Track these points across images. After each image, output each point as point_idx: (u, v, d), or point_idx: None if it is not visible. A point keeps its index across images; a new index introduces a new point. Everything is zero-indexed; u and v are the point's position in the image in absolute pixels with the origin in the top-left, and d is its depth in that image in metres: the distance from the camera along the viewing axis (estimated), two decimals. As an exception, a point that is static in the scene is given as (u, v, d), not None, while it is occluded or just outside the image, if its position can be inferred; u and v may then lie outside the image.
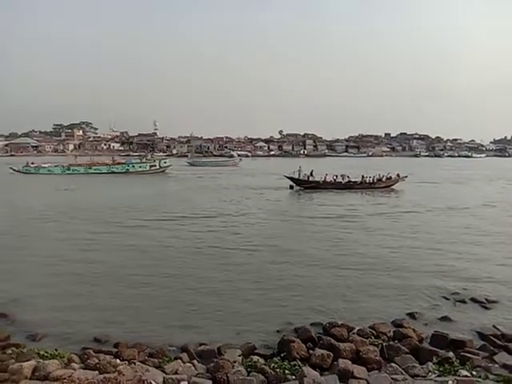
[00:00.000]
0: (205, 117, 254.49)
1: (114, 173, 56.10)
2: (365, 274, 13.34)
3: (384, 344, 8.37)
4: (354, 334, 9.01)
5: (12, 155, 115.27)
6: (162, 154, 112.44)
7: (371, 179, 38.84)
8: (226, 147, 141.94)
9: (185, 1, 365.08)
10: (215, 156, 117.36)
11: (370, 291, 11.95)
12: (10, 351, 7.78)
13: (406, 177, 40.73)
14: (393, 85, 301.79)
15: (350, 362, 7.38)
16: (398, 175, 39.99)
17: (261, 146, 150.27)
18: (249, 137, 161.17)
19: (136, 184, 44.60)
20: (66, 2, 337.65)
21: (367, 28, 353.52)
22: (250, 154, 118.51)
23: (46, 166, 58.06)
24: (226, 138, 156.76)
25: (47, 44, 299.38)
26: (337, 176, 39.26)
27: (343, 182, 38.68)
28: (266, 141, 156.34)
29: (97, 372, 6.30)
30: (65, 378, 5.88)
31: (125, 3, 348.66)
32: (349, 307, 10.90)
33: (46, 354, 7.47)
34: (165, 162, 60.98)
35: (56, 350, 7.91)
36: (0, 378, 6.00)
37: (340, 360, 7.42)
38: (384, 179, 39.14)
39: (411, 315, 10.41)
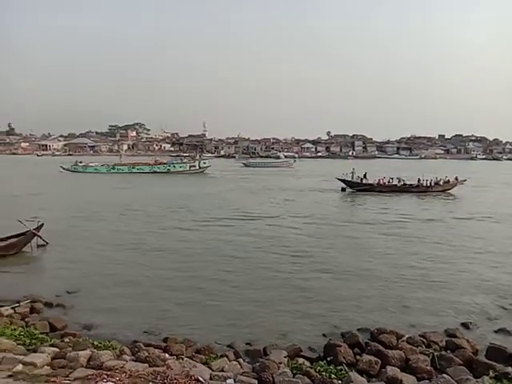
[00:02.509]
0: (252, 118, 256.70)
1: (155, 172, 58.16)
2: (416, 285, 12.79)
3: (435, 353, 8.03)
4: (403, 341, 8.73)
5: (70, 154, 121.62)
6: (210, 154, 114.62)
7: (428, 182, 37.45)
8: (273, 148, 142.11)
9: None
10: (261, 157, 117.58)
11: (421, 301, 11.50)
12: (67, 340, 8.27)
13: (465, 180, 38.75)
14: (446, 85, 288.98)
15: (398, 370, 7.20)
16: (456, 178, 38.22)
17: (308, 148, 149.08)
18: (296, 138, 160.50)
19: (177, 184, 45.57)
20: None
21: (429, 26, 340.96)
22: (296, 156, 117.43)
23: (93, 165, 61.43)
24: (273, 139, 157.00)
25: (103, 48, 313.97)
26: (392, 179, 38.19)
27: (398, 185, 37.56)
28: (314, 142, 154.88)
29: (146, 365, 6.51)
30: (117, 369, 6.13)
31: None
32: (397, 315, 10.58)
33: (99, 345, 7.86)
34: (204, 163, 62.46)
35: (109, 341, 8.28)
36: (59, 363, 6.37)
37: (388, 367, 7.24)
38: (441, 183, 37.54)
39: (465, 325, 9.95)
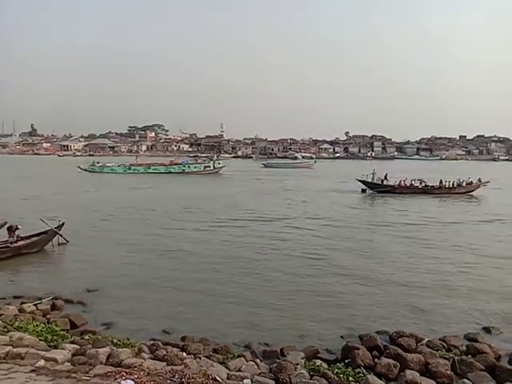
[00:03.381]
0: (269, 119, 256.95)
1: (170, 173, 59.03)
2: (436, 289, 12.49)
3: (456, 358, 7.87)
4: (422, 345, 8.60)
5: (91, 155, 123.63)
6: (227, 155, 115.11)
7: (450, 184, 36.83)
8: (290, 149, 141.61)
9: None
10: (278, 158, 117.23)
11: (440, 305, 11.28)
12: (87, 337, 8.39)
13: (488, 182, 37.92)
14: (467, 86, 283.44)
15: (417, 374, 7.10)
16: (479, 180, 37.37)
17: (325, 148, 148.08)
18: (313, 138, 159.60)
19: (192, 184, 45.93)
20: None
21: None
22: (314, 156, 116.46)
23: (110, 165, 62.75)
24: (291, 139, 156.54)
25: (121, 54, 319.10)
26: (414, 180, 37.69)
27: (420, 187, 37.06)
28: (331, 142, 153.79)
29: (164, 363, 6.57)
30: (136, 367, 6.20)
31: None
32: (417, 319, 10.41)
33: (118, 342, 7.96)
34: (218, 163, 63.21)
35: (128, 339, 8.37)
36: (79, 360, 6.48)
37: (407, 371, 7.15)
38: (464, 184, 36.81)
39: (487, 330, 9.72)
